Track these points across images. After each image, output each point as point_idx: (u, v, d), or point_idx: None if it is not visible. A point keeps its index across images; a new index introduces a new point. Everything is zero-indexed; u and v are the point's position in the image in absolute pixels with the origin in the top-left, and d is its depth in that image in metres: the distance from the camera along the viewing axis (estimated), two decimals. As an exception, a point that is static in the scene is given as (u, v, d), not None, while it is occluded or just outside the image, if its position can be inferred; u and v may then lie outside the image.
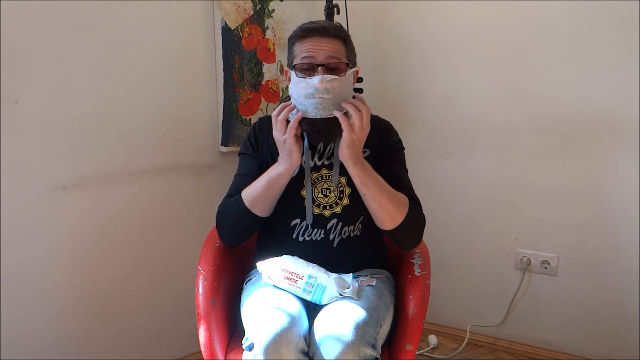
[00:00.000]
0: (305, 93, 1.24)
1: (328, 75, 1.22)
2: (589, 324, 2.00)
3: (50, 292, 1.62)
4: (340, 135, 1.25)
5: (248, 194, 1.31)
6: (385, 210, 1.27)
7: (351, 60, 1.33)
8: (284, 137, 1.25)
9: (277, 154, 1.33)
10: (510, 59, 2.05)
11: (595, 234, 1.95)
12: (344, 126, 1.22)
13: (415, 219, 1.32)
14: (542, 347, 2.11)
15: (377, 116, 1.47)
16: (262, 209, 1.31)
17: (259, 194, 1.30)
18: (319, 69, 1.25)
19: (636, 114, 1.83)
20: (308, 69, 1.27)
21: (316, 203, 1.34)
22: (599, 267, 1.96)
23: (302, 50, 1.28)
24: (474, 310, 2.25)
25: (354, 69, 1.31)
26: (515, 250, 2.13)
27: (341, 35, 1.30)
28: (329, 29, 1.28)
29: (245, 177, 1.39)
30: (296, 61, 1.29)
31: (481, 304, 2.23)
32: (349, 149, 1.23)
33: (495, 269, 2.18)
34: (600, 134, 1.90)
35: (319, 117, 1.25)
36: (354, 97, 1.27)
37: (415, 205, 1.33)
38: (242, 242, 1.41)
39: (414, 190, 1.40)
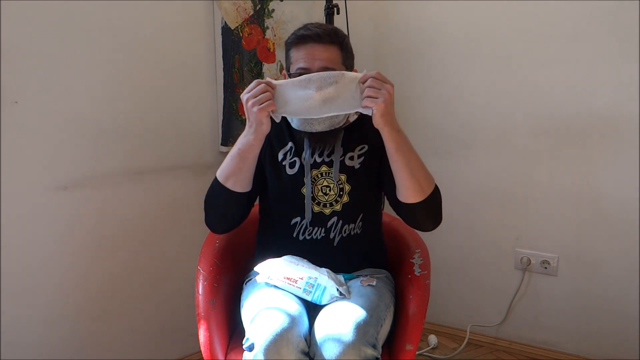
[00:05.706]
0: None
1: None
2: (589, 324, 2.00)
3: (50, 292, 1.62)
4: (340, 139, 1.27)
5: (220, 169, 1.27)
6: (416, 179, 1.22)
7: (348, 64, 1.31)
8: (259, 107, 1.14)
9: (278, 146, 1.35)
10: (510, 59, 2.04)
11: (595, 234, 1.95)
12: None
13: (438, 195, 1.28)
14: (542, 347, 2.11)
15: None
16: (235, 183, 1.26)
17: (230, 166, 1.25)
18: None
19: (636, 114, 1.82)
20: None
21: (316, 201, 1.34)
22: (599, 267, 1.96)
23: (298, 59, 1.26)
24: (474, 310, 2.25)
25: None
26: (515, 250, 2.13)
27: (337, 41, 1.27)
28: (323, 36, 1.25)
29: None
30: (292, 69, 1.28)
31: (481, 304, 2.23)
32: (383, 117, 1.17)
33: (495, 269, 2.18)
34: (600, 134, 1.90)
35: (315, 131, 1.28)
36: (374, 75, 1.16)
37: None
38: (229, 228, 1.36)
39: None
